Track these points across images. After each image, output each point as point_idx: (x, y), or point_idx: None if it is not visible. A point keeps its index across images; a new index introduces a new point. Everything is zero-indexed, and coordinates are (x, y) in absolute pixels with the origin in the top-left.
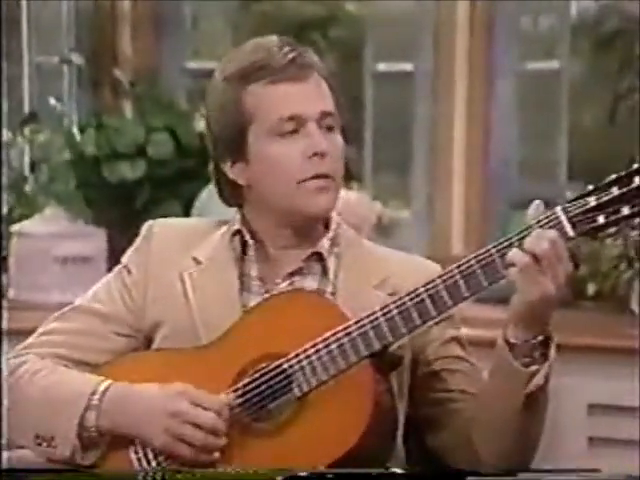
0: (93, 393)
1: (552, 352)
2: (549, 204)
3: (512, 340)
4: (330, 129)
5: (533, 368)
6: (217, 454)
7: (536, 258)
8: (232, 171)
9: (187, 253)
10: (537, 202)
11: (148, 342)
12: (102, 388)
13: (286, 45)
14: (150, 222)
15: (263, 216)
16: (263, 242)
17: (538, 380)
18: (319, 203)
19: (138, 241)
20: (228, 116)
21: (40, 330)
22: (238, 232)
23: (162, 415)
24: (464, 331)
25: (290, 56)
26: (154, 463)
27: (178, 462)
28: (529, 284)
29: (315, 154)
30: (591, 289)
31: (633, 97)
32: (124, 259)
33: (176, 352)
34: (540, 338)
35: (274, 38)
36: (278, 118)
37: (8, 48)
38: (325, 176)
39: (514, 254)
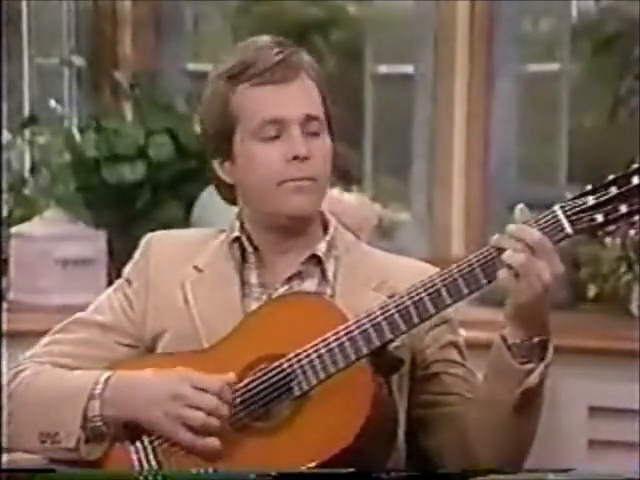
0: (96, 383)
1: (549, 353)
2: (548, 206)
3: (509, 340)
4: (315, 134)
5: (529, 366)
6: (216, 441)
7: (528, 246)
8: (221, 169)
9: (188, 262)
10: (520, 206)
11: (150, 352)
12: (104, 377)
13: (276, 45)
14: (148, 235)
15: (252, 218)
16: (261, 248)
17: (533, 379)
18: (298, 203)
19: (137, 254)
20: (216, 115)
21: (42, 342)
22: (237, 239)
23: (164, 398)
24: (465, 334)
25: (277, 57)
26: (154, 463)
27: (179, 449)
28: (529, 278)
29: (295, 157)
30: (591, 291)
31: (633, 99)
32: (125, 272)
33: (178, 355)
34: (537, 339)
35: (267, 38)
36: (260, 121)
37: (8, 49)
38: (305, 179)
39: (509, 256)
